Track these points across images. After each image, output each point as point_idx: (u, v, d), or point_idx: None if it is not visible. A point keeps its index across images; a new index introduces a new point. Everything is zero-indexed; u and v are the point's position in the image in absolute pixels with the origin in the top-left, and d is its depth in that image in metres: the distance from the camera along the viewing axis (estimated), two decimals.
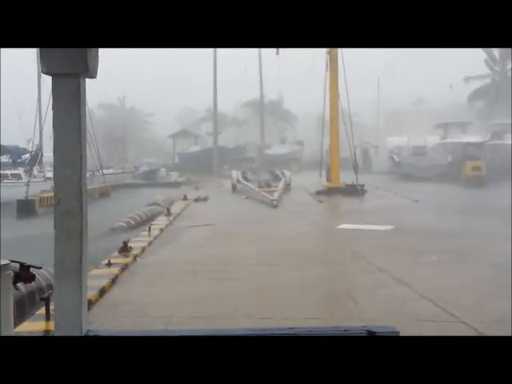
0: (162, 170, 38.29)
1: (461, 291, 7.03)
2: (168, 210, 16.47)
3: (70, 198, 1.82)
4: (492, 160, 27.82)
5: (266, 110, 55.97)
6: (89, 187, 19.50)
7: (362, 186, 21.71)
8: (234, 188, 25.06)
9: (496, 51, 43.88)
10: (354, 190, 21.35)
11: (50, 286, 6.55)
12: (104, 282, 7.60)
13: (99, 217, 12.92)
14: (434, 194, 21.44)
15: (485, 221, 13.35)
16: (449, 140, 33.94)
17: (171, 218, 15.38)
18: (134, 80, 63.22)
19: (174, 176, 36.40)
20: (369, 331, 1.83)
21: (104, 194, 24.33)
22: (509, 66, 44.83)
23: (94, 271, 8.15)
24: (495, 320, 5.69)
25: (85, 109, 1.85)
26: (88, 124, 2.24)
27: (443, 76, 48.97)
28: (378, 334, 1.80)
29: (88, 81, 1.87)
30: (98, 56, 1.84)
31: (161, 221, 14.84)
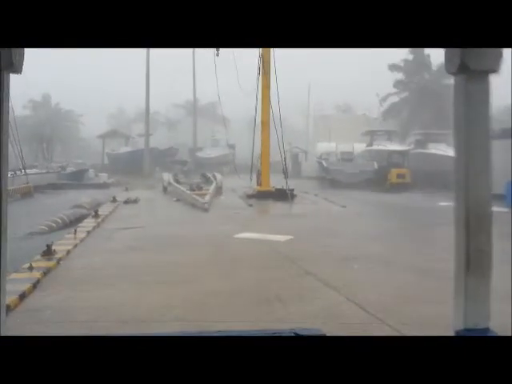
0: (91, 170, 37.14)
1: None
2: (96, 211, 16.02)
3: None
4: (415, 168, 29.14)
5: (199, 112, 55.75)
6: (10, 187, 18.61)
7: (292, 190, 22.01)
8: (165, 190, 24.79)
9: (412, 64, 45.69)
10: (284, 195, 21.60)
11: None
12: (24, 287, 7.30)
13: (20, 219, 12.39)
14: (360, 199, 22.17)
15: (407, 226, 14.06)
16: (375, 147, 35.23)
17: (99, 220, 14.97)
18: (65, 78, 61.20)
19: (103, 177, 35.42)
20: (296, 333, 1.85)
21: (26, 194, 23.24)
22: (427, 78, 46.93)
23: (14, 275, 7.80)
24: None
25: (8, 105, 1.75)
26: (11, 120, 2.08)
27: (372, 84, 50.73)
28: (303, 335, 1.82)
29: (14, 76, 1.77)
30: (23, 51, 1.74)
31: (88, 223, 14.41)
